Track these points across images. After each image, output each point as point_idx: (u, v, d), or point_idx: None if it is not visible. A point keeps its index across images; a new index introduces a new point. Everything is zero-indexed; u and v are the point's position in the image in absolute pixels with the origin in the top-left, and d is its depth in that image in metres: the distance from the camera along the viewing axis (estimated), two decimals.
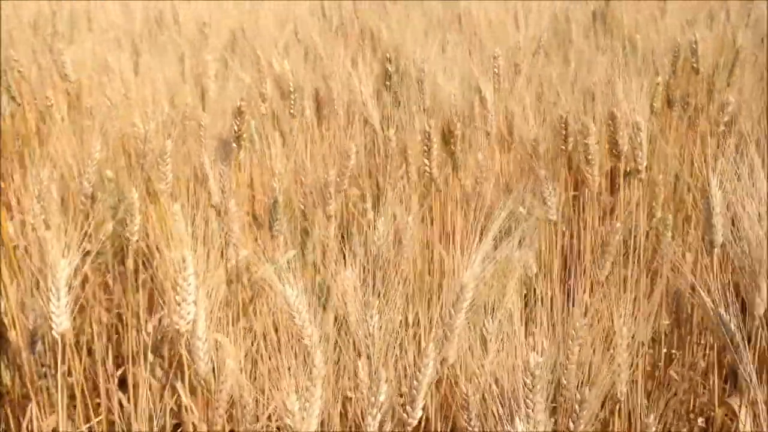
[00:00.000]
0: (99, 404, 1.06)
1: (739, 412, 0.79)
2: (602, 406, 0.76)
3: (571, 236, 1.18)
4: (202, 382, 0.70)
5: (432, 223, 1.04)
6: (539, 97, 1.15)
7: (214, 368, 0.71)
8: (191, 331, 0.70)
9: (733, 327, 0.74)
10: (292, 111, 1.32)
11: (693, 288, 0.76)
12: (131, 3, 2.10)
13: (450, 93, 1.13)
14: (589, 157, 0.90)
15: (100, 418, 1.06)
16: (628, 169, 1.03)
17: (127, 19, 1.97)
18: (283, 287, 0.66)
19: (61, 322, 0.75)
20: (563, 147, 0.96)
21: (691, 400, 1.18)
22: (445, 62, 1.20)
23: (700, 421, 1.17)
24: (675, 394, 1.18)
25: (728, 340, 0.74)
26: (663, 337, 1.21)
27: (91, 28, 1.95)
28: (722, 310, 0.74)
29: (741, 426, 0.78)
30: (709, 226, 0.82)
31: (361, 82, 1.17)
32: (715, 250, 0.83)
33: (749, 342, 0.74)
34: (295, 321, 0.65)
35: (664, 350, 1.23)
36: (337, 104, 1.24)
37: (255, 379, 0.72)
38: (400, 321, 0.68)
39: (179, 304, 0.69)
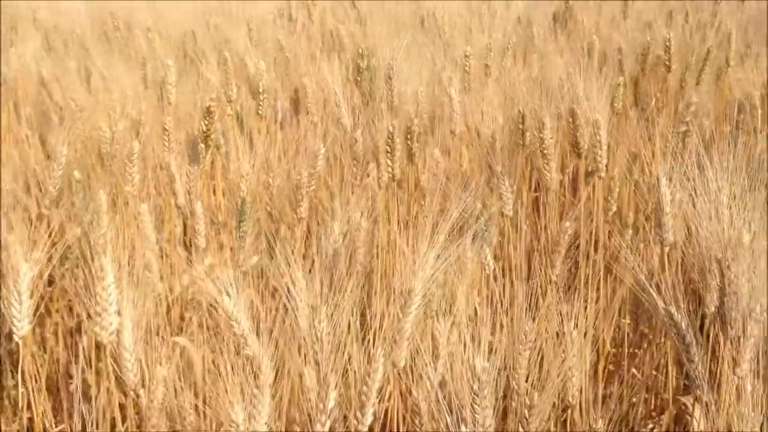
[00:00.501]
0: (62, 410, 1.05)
1: (693, 409, 0.80)
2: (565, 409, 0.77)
3: (537, 235, 1.19)
4: (132, 393, 0.69)
5: (389, 222, 1.05)
6: (502, 95, 1.16)
7: (144, 378, 0.70)
8: (118, 342, 0.69)
9: (684, 325, 0.76)
10: (260, 111, 1.32)
11: (642, 287, 0.77)
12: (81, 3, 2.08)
13: (414, 92, 1.14)
14: (545, 151, 0.92)
15: (61, 427, 1.05)
16: (590, 168, 1.05)
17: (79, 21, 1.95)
18: (221, 296, 0.65)
19: (23, 326, 0.75)
20: (520, 142, 0.97)
21: (652, 399, 1.20)
22: (410, 62, 1.21)
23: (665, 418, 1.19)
24: (634, 394, 1.20)
25: (678, 339, 0.75)
26: (626, 336, 1.23)
27: (37, 28, 1.93)
28: (673, 309, 0.76)
29: (695, 423, 0.80)
30: (659, 224, 0.83)
31: (333, 81, 1.17)
32: (666, 248, 0.85)
33: (703, 339, 0.75)
34: (234, 331, 0.65)
35: (628, 350, 1.24)
36: (309, 104, 1.24)
37: (195, 389, 0.72)
38: (349, 325, 0.68)
39: (99, 315, 0.68)
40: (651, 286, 0.77)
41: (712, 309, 0.81)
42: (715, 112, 1.32)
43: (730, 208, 0.77)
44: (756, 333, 0.73)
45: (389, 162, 0.95)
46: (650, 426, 1.20)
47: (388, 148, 0.95)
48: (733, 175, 0.77)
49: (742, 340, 0.72)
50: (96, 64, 1.46)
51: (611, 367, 1.26)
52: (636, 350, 1.27)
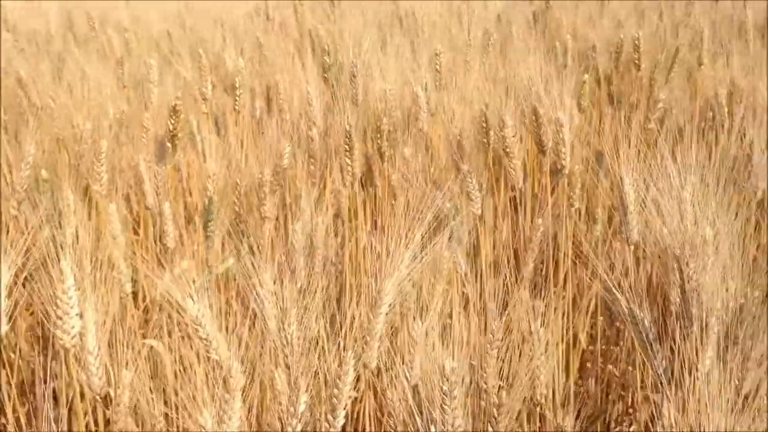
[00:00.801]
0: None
1: (662, 407, 0.80)
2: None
3: (514, 233, 1.20)
4: (97, 397, 0.69)
5: (354, 222, 1.05)
6: (472, 94, 1.17)
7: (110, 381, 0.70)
8: (81, 345, 0.68)
9: (646, 323, 0.76)
10: (236, 107, 1.32)
11: (605, 286, 0.77)
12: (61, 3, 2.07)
13: (386, 90, 1.14)
14: (507, 149, 0.92)
15: None
16: (558, 167, 1.05)
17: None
18: (185, 301, 0.65)
19: None
20: (484, 141, 0.98)
21: (630, 395, 1.20)
22: (386, 61, 1.21)
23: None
24: (609, 390, 1.20)
25: (642, 337, 0.75)
26: (601, 333, 1.23)
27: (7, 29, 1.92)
28: (635, 307, 0.76)
29: (664, 420, 0.80)
30: (624, 223, 0.84)
31: (306, 81, 1.17)
32: (631, 246, 0.85)
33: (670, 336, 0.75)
34: (200, 335, 0.65)
35: (603, 347, 1.25)
36: (282, 102, 1.24)
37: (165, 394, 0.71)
38: (318, 329, 0.68)
39: (60, 318, 0.67)
40: (615, 284, 0.77)
41: (676, 306, 0.81)
42: (689, 110, 1.32)
43: (693, 204, 0.77)
44: (717, 329, 0.73)
45: (348, 161, 0.96)
46: (625, 423, 1.20)
47: (346, 147, 0.95)
48: (698, 172, 0.77)
49: (704, 336, 0.72)
50: (72, 64, 1.46)
51: (589, 364, 1.26)
52: (612, 347, 1.27)
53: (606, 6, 1.75)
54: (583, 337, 1.27)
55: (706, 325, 0.73)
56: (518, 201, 1.22)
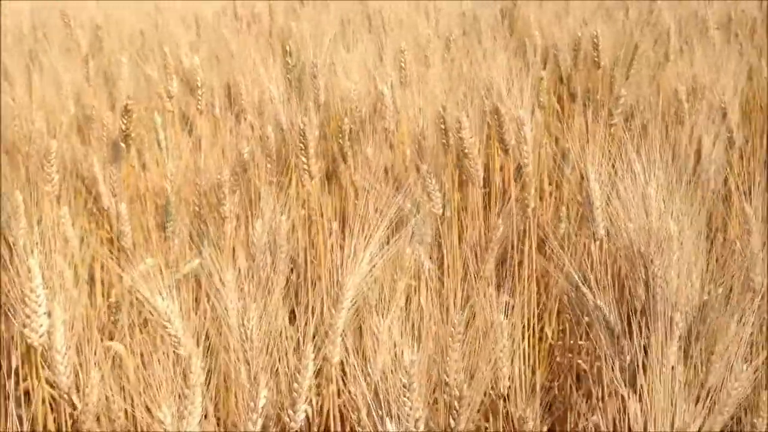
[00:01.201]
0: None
1: (628, 402, 0.81)
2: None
3: (486, 231, 1.20)
4: (65, 396, 0.68)
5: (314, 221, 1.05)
6: (435, 93, 1.17)
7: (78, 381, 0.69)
8: (49, 344, 0.68)
9: (612, 318, 0.76)
10: (199, 108, 1.31)
11: (570, 281, 0.77)
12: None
13: (350, 89, 1.13)
14: (466, 150, 0.92)
15: None
16: (521, 165, 1.05)
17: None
18: (152, 296, 0.65)
19: None
20: (444, 141, 0.98)
21: (598, 389, 1.21)
22: (351, 59, 1.20)
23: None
24: (579, 384, 1.21)
25: (608, 331, 0.76)
26: (570, 328, 1.24)
27: None
28: (601, 302, 0.76)
29: (631, 413, 0.80)
30: (590, 219, 0.84)
31: (270, 80, 1.16)
32: (597, 242, 0.86)
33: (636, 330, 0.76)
34: (168, 330, 0.65)
35: (571, 341, 1.25)
36: (244, 101, 1.23)
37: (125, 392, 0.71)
38: (279, 324, 0.68)
39: (29, 317, 0.67)
40: (581, 280, 0.78)
41: (641, 301, 0.82)
42: (656, 106, 1.33)
43: (658, 200, 0.77)
44: (681, 324, 0.74)
45: (304, 160, 0.95)
46: (594, 417, 1.21)
47: (301, 146, 0.94)
48: (662, 168, 0.78)
49: (668, 331, 0.73)
50: (43, 62, 1.44)
51: (559, 359, 1.27)
52: (582, 341, 1.28)
53: (571, 4, 1.76)
54: (550, 332, 1.28)
55: (671, 320, 0.73)
56: (485, 199, 1.22)
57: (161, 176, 1.23)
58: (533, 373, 1.09)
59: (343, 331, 0.71)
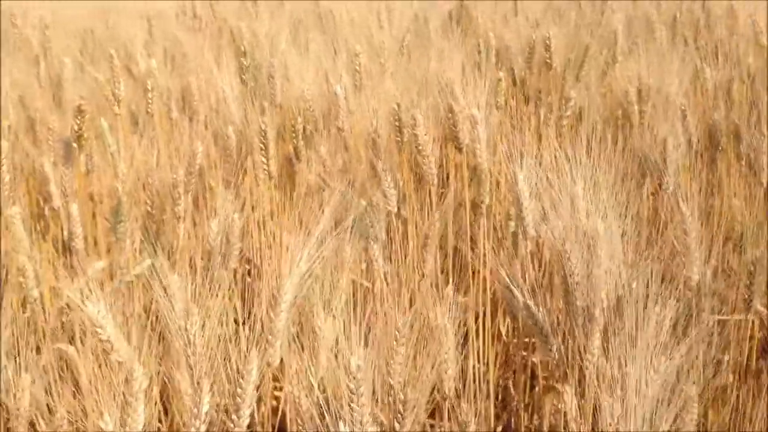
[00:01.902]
0: None
1: (562, 395, 0.82)
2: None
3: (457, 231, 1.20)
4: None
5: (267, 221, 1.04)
6: (389, 93, 1.18)
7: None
8: None
9: (540, 318, 0.77)
10: (149, 110, 1.29)
11: (503, 281, 0.79)
12: None
13: (303, 90, 1.13)
14: (420, 147, 0.93)
15: None
16: (474, 164, 1.06)
17: None
18: (84, 304, 0.64)
19: None
20: (398, 139, 0.98)
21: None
22: (305, 60, 1.20)
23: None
24: (534, 382, 1.23)
25: (537, 330, 0.77)
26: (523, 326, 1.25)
27: None
28: (530, 302, 0.77)
29: (566, 409, 0.82)
30: (520, 218, 0.85)
31: (223, 80, 1.16)
32: (527, 241, 0.87)
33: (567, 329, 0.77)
34: (101, 337, 0.64)
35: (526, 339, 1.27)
36: (196, 102, 1.22)
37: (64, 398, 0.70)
38: (223, 328, 0.68)
39: None
40: (512, 279, 0.79)
41: (568, 297, 0.83)
42: (604, 107, 1.36)
43: (586, 199, 0.79)
44: (602, 321, 0.75)
45: (264, 160, 0.95)
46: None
47: (261, 146, 0.94)
48: (597, 167, 0.79)
49: (592, 327, 0.74)
50: None
51: (516, 359, 1.29)
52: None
53: (519, 4, 1.78)
54: (504, 330, 1.29)
55: (597, 317, 0.75)
56: (441, 197, 1.23)
57: (113, 178, 1.22)
58: (487, 371, 1.10)
59: (285, 333, 0.71)
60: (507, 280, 0.77)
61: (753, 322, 0.98)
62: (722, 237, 1.00)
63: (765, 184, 1.03)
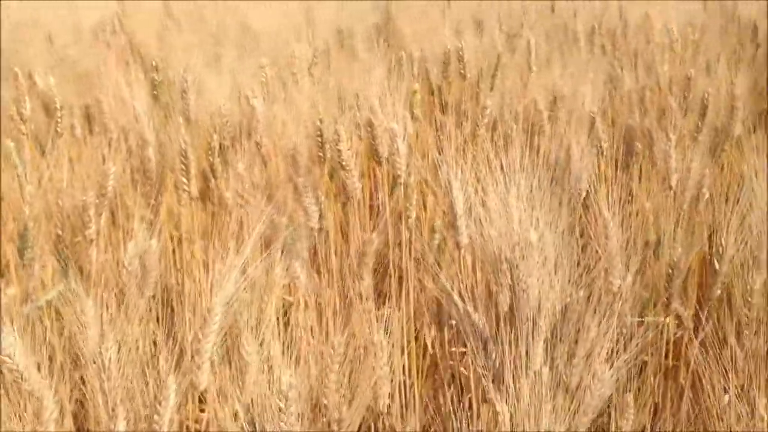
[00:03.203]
0: None
1: (496, 403, 0.82)
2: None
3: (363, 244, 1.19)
4: None
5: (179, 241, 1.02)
6: (309, 107, 1.16)
7: None
8: None
9: (480, 325, 0.78)
10: (58, 129, 1.25)
11: (441, 291, 0.78)
12: None
13: (221, 105, 1.11)
14: (343, 162, 0.92)
15: None
16: (395, 176, 1.06)
17: None
18: None
19: None
20: (320, 154, 0.97)
21: (481, 396, 1.23)
22: (223, 74, 1.18)
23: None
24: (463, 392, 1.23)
25: (477, 337, 0.77)
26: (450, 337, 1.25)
27: None
28: (470, 308, 0.77)
29: (501, 417, 0.82)
30: (454, 228, 0.85)
31: (132, 96, 1.12)
32: (462, 250, 0.87)
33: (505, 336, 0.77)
34: (9, 366, 0.61)
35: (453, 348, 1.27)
36: (107, 120, 1.18)
37: None
38: (138, 349, 0.65)
39: None
40: (452, 288, 0.78)
41: (506, 307, 0.83)
42: (519, 116, 1.38)
43: (520, 208, 0.79)
44: (545, 328, 0.76)
45: (184, 179, 0.92)
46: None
47: (182, 165, 0.92)
48: (524, 176, 0.80)
49: (533, 335, 0.75)
50: None
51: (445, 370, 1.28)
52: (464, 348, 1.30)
53: (447, 16, 1.80)
54: (430, 342, 1.29)
55: (534, 325, 0.75)
56: (370, 212, 1.22)
57: (20, 200, 1.17)
58: (414, 386, 1.10)
59: (211, 355, 0.69)
60: (448, 287, 0.77)
61: (668, 324, 1.00)
62: (641, 242, 1.02)
63: (674, 188, 1.05)
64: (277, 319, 0.82)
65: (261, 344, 0.73)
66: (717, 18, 1.89)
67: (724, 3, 2.10)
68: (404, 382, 1.10)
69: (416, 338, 1.22)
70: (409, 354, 1.09)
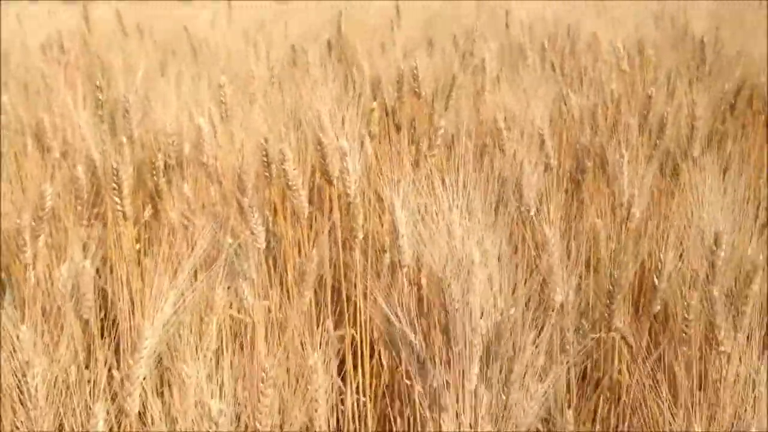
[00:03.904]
0: None
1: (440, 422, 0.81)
2: None
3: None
4: None
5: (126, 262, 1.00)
6: (257, 127, 1.15)
7: None
8: None
9: (417, 344, 0.77)
10: (2, 149, 1.22)
11: (381, 311, 0.78)
12: None
13: (167, 123, 1.10)
14: (290, 182, 0.91)
15: None
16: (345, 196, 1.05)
17: None
18: None
19: None
20: (266, 174, 0.96)
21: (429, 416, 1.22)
22: (170, 93, 1.17)
23: None
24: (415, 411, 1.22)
25: (413, 357, 0.76)
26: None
27: None
28: (408, 329, 0.77)
29: None
30: (396, 246, 0.85)
31: (79, 116, 1.10)
32: (404, 269, 0.87)
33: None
34: None
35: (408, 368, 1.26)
36: (50, 139, 1.16)
37: None
38: (69, 378, 0.64)
39: None
40: (390, 309, 0.78)
41: (444, 326, 0.83)
42: (476, 134, 1.38)
43: (463, 226, 0.79)
44: (481, 347, 0.75)
45: (117, 200, 0.90)
46: None
47: (114, 186, 0.90)
48: (470, 195, 0.79)
49: (469, 354, 0.74)
50: None
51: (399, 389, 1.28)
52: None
53: (396, 35, 1.80)
54: (385, 360, 1.28)
55: (471, 344, 0.75)
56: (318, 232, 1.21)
57: None
58: (367, 404, 1.09)
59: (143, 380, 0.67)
60: (386, 309, 0.76)
61: (614, 339, 1.01)
62: (586, 259, 1.03)
63: (625, 205, 1.06)
64: (221, 340, 0.80)
65: (197, 368, 0.71)
66: (669, 35, 1.92)
67: (676, 19, 2.14)
68: (358, 401, 1.09)
69: (371, 357, 1.21)
70: (363, 374, 1.08)
